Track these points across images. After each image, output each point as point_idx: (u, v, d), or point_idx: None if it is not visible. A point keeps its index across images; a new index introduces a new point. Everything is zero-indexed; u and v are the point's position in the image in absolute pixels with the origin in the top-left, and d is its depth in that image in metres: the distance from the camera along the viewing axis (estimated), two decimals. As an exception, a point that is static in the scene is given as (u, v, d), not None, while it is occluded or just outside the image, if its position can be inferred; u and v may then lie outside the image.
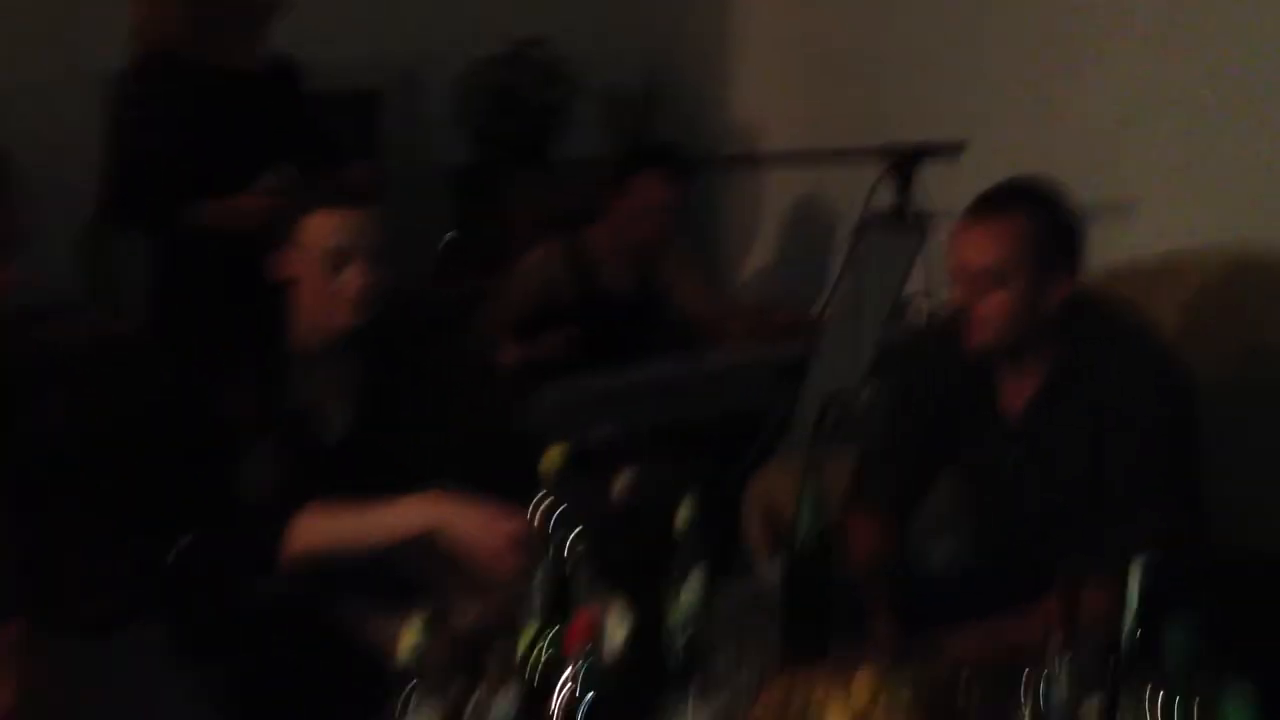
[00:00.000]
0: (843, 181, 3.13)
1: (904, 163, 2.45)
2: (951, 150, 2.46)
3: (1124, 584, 1.37)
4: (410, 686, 1.37)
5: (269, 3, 2.54)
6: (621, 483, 1.94)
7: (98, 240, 3.18)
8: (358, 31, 3.50)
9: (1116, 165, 2.62)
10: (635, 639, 1.52)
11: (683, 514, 1.58)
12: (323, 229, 1.96)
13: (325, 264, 1.96)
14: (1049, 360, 1.92)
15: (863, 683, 1.50)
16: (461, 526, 1.80)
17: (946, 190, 2.35)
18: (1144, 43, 2.60)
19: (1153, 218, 2.53)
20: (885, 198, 2.52)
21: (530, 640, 1.45)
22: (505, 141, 3.77)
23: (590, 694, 1.35)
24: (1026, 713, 1.42)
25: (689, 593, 1.56)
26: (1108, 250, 2.16)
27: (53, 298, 3.01)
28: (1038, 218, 1.86)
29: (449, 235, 3.77)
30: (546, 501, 1.61)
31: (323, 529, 1.84)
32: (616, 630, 1.53)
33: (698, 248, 3.34)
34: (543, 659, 1.43)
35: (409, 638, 1.36)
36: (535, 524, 1.62)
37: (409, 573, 1.86)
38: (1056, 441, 1.92)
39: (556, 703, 1.37)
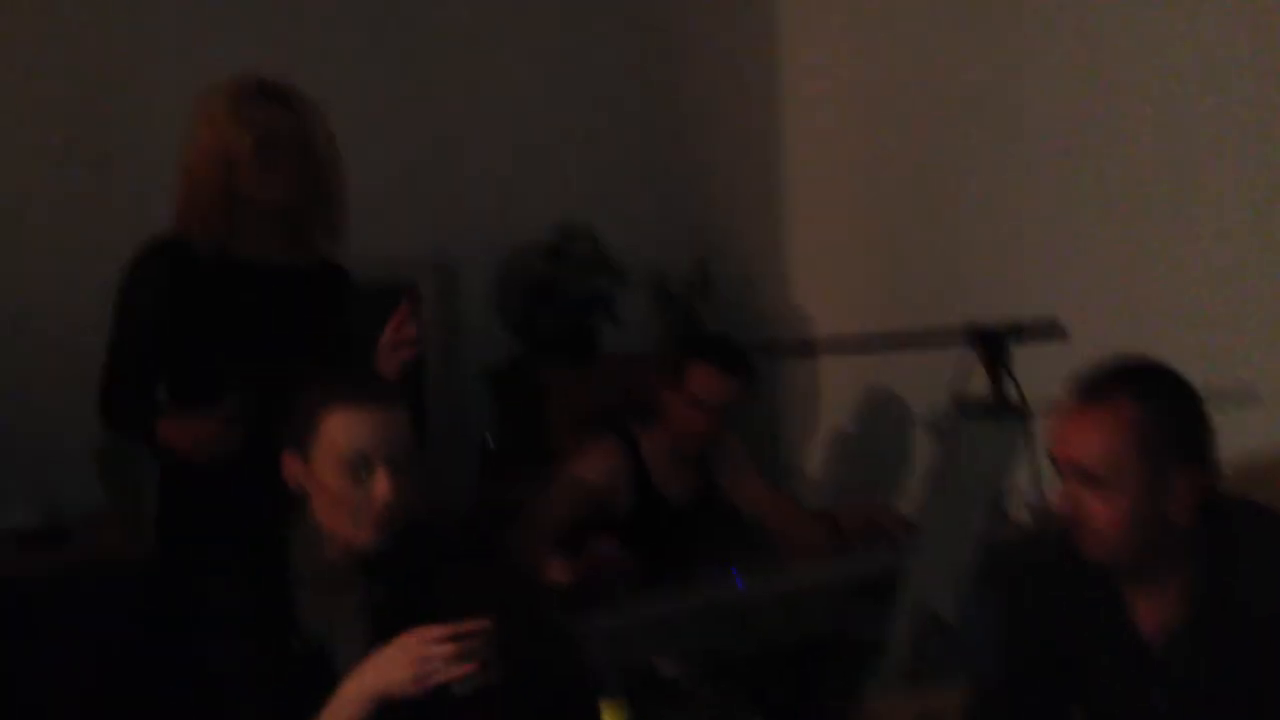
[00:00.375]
0: (914, 368, 2.89)
1: (996, 344, 2.18)
2: (1049, 330, 2.19)
3: None
4: None
5: (301, 209, 2.32)
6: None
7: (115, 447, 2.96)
8: (395, 221, 3.33)
9: (1229, 352, 2.34)
10: None
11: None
12: (342, 430, 1.70)
13: (344, 472, 1.70)
14: (1189, 575, 1.60)
15: None
16: (390, 674, 1.59)
17: (1041, 376, 2.12)
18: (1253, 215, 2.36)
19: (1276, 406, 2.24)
20: (971, 383, 2.24)
21: None
22: (547, 335, 3.56)
23: None
24: None
25: None
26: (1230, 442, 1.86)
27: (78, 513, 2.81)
28: (1151, 403, 1.57)
29: (486, 435, 3.52)
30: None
31: None
32: None
33: (757, 441, 3.05)
34: None
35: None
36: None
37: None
38: (1213, 678, 1.58)
39: None
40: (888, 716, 2.07)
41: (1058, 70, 2.75)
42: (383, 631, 1.65)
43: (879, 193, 3.30)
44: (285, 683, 1.65)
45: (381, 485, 1.69)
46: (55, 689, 2.30)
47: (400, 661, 1.58)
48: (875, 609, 2.26)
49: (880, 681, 2.26)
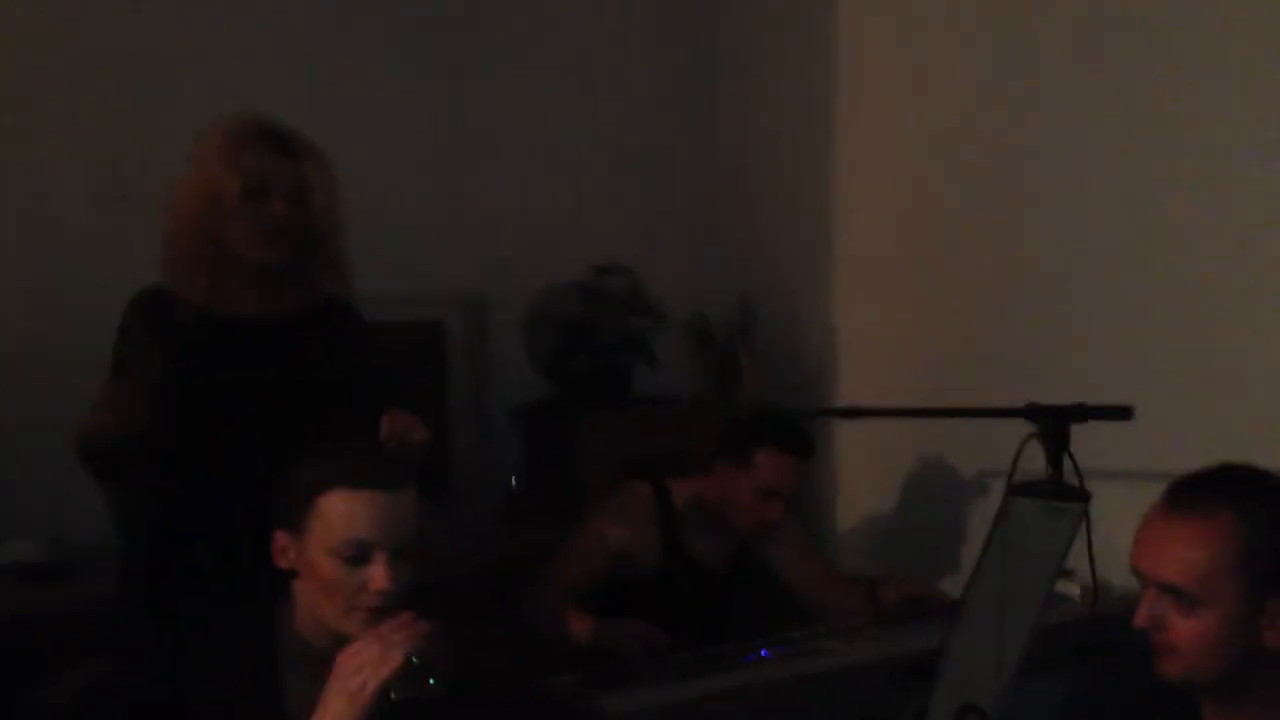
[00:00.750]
0: (967, 438, 2.76)
1: (1058, 425, 2.03)
2: (1115, 414, 2.05)
3: None
4: None
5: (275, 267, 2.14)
6: None
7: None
8: (424, 257, 3.22)
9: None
10: None
11: None
12: (341, 515, 1.59)
13: (339, 557, 1.59)
14: (1275, 699, 1.46)
15: None
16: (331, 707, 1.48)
17: (1104, 460, 2.01)
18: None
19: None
20: (1026, 462, 2.11)
21: None
22: (579, 376, 3.44)
23: None
24: None
25: None
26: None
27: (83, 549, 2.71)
28: (1252, 519, 1.43)
29: (512, 478, 3.41)
30: None
31: None
32: None
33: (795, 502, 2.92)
34: None
35: None
36: None
37: None
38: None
39: None
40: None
41: (1122, 129, 2.62)
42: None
43: (933, 250, 3.16)
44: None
45: (378, 573, 1.58)
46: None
47: (334, 690, 1.48)
48: (908, 695, 2.13)
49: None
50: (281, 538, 1.65)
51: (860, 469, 3.40)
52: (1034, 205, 2.85)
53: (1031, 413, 2.09)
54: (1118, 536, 1.86)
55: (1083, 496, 2.05)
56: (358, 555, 1.59)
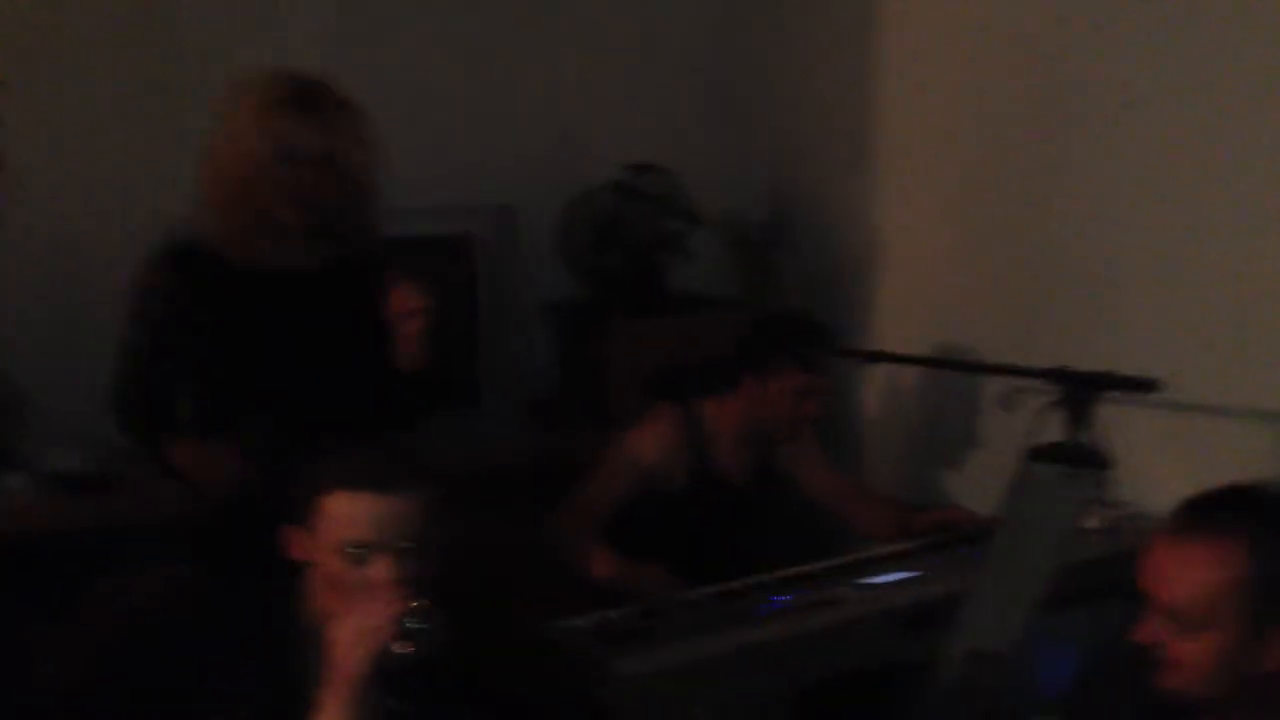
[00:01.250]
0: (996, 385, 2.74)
1: (1081, 392, 2.02)
2: (1141, 385, 2.02)
3: None
4: None
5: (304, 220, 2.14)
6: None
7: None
8: (455, 166, 3.17)
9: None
10: None
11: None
12: (344, 517, 1.62)
13: (344, 557, 1.62)
14: None
15: None
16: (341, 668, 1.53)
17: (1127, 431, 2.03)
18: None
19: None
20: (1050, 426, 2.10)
21: None
22: (612, 276, 3.41)
23: None
24: None
25: None
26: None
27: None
28: (1258, 546, 1.41)
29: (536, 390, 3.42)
30: None
31: None
32: None
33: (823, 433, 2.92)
34: None
35: None
36: None
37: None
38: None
39: None
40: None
41: (1172, 71, 2.51)
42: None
43: (978, 156, 3.06)
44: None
45: (381, 574, 1.61)
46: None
47: (331, 669, 1.53)
48: (924, 641, 2.16)
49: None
50: (291, 531, 1.68)
51: (891, 402, 3.38)
52: (1081, 124, 2.75)
53: (1058, 375, 2.07)
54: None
55: (1103, 463, 2.05)
56: (360, 555, 1.61)
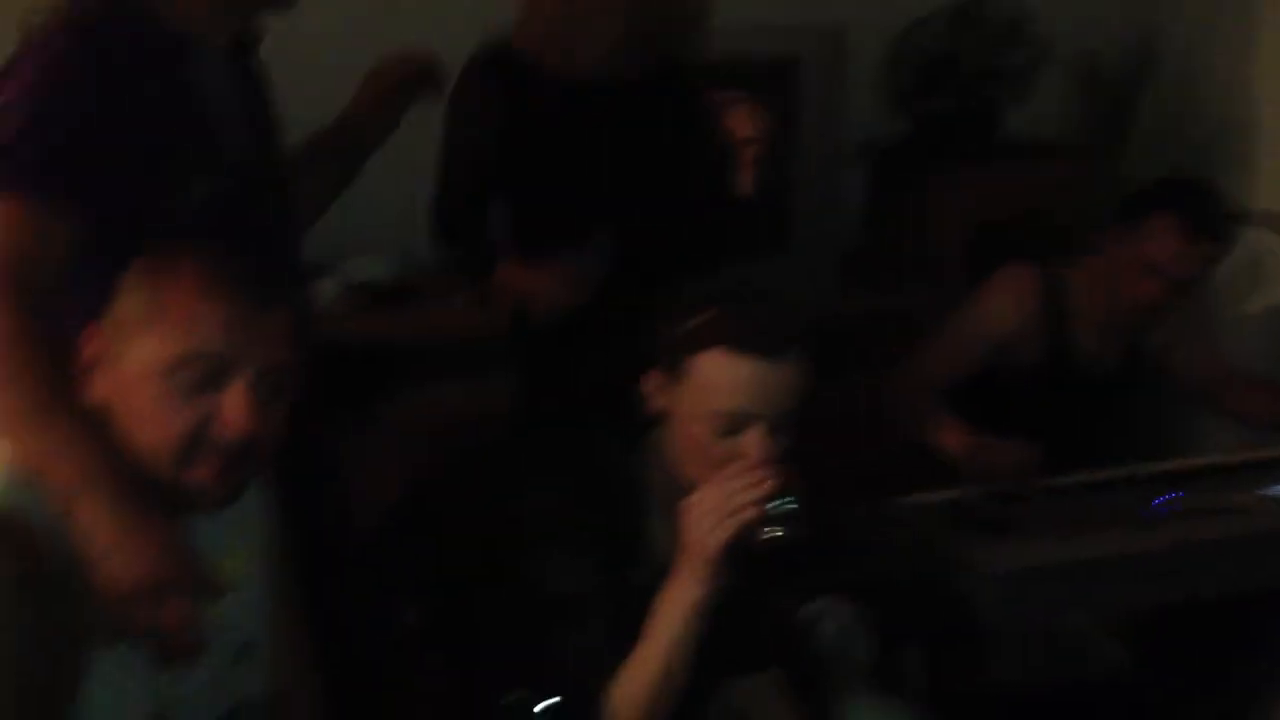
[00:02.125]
0: None
1: None
2: None
3: None
4: None
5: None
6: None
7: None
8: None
9: None
10: None
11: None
12: (723, 380, 1.43)
13: (714, 423, 1.43)
14: None
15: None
16: (700, 538, 1.38)
17: None
18: None
19: None
20: None
21: None
22: (937, 115, 3.05)
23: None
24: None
25: None
26: None
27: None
28: None
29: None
30: None
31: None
32: None
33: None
34: None
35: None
36: None
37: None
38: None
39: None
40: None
41: None
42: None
43: None
44: (619, 614, 1.44)
45: (752, 446, 1.42)
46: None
47: (700, 517, 1.38)
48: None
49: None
50: (655, 378, 1.49)
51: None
52: None
53: None
54: None
55: None
56: (735, 425, 1.43)
